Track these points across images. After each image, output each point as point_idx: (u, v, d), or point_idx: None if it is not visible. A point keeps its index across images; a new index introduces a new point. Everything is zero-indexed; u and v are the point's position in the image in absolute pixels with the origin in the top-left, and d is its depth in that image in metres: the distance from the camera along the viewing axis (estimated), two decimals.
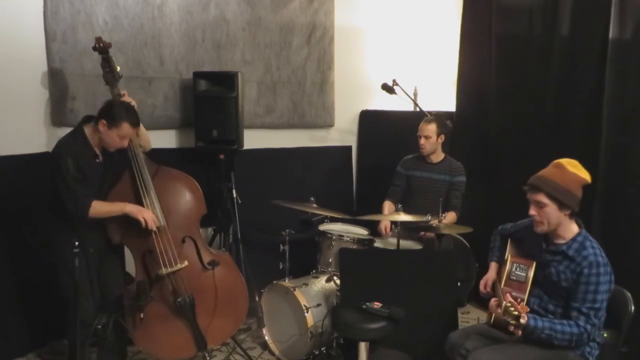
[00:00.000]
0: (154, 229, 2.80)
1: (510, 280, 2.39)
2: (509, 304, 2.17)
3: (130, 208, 2.77)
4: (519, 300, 2.28)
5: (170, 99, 3.85)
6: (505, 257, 2.51)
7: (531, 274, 2.36)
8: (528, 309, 2.23)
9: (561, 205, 2.28)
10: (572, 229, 2.35)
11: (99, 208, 2.71)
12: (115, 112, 2.71)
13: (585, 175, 2.32)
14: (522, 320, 2.15)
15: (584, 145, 3.33)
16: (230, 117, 3.63)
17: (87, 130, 2.77)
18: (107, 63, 2.92)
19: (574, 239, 2.32)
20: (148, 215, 2.78)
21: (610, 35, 3.16)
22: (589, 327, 2.21)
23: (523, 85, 3.86)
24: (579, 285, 2.24)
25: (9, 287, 3.23)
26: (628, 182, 3.13)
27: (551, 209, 2.29)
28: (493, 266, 2.70)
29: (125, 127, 2.70)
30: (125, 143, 2.77)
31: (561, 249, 2.33)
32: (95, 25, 3.48)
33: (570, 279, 2.28)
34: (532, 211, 2.34)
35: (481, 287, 2.64)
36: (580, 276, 2.24)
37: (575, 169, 2.31)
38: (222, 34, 3.99)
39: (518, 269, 2.39)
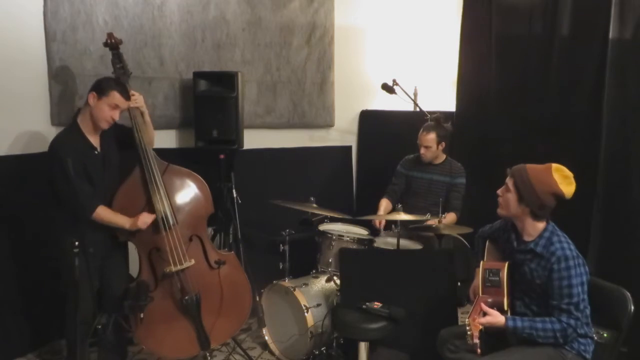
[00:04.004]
0: (153, 219, 2.79)
1: (486, 287, 2.38)
2: (467, 323, 2.19)
3: (130, 225, 2.76)
4: (499, 303, 2.29)
5: (170, 99, 3.85)
6: (479, 266, 2.50)
7: (504, 274, 2.36)
8: (480, 327, 2.19)
9: (520, 198, 2.30)
10: (538, 226, 2.35)
11: (104, 215, 2.72)
12: (103, 83, 2.73)
13: (565, 189, 2.27)
14: (476, 340, 2.14)
15: (584, 145, 3.34)
16: (230, 117, 3.63)
17: (81, 119, 2.75)
18: (118, 59, 2.94)
19: (540, 235, 2.33)
20: (143, 217, 2.76)
21: (610, 35, 3.16)
22: (572, 321, 2.20)
23: (523, 85, 3.86)
24: (552, 282, 2.24)
25: (10, 287, 3.22)
26: (628, 182, 3.13)
27: (511, 196, 2.33)
28: (478, 273, 2.70)
29: (115, 95, 2.70)
30: (117, 115, 2.74)
31: (529, 247, 2.34)
32: (95, 25, 3.48)
33: (542, 276, 2.28)
34: (499, 190, 2.41)
35: (470, 296, 2.64)
36: (552, 272, 2.24)
37: (559, 178, 2.27)
38: (222, 34, 4.00)
39: (491, 275, 2.38)
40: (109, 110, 2.70)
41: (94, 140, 2.79)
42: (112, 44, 2.94)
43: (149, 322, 2.80)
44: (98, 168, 2.78)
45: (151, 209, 2.82)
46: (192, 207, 3.00)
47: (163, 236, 2.83)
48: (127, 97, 2.78)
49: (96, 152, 2.79)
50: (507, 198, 2.35)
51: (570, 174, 2.31)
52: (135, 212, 2.79)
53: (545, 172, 2.30)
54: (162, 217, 2.83)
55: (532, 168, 2.33)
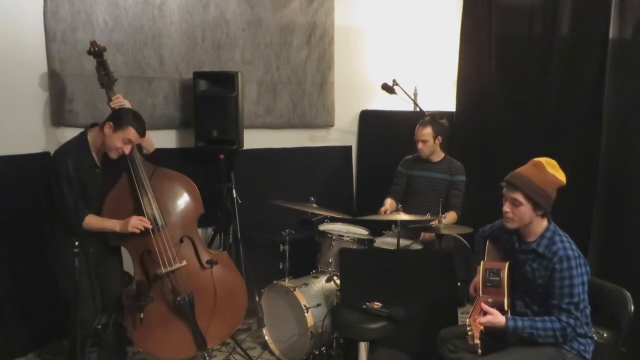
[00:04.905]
0: (149, 226, 2.79)
1: (487, 287, 2.39)
2: (467, 323, 2.18)
3: (121, 227, 2.76)
4: (499, 304, 2.29)
5: (170, 99, 3.85)
6: (479, 264, 2.50)
7: (504, 274, 2.36)
8: (481, 327, 2.18)
9: (536, 206, 2.29)
10: (541, 224, 2.36)
11: (93, 223, 2.72)
12: (123, 116, 2.74)
13: (562, 178, 2.32)
14: (477, 341, 2.14)
15: (584, 145, 3.34)
16: (230, 117, 3.63)
17: (90, 135, 2.77)
18: (102, 66, 2.93)
19: (542, 235, 2.34)
20: (135, 222, 2.76)
21: (610, 35, 3.16)
22: (572, 321, 2.21)
23: (523, 85, 3.86)
24: (553, 282, 2.25)
25: (10, 287, 3.23)
26: (628, 182, 3.13)
27: (526, 208, 2.30)
28: (479, 271, 2.70)
29: (131, 132, 2.71)
30: (128, 149, 2.75)
31: (531, 247, 2.35)
32: (95, 25, 3.48)
33: (544, 276, 2.29)
34: (506, 207, 2.36)
35: (471, 290, 2.64)
36: (554, 272, 2.25)
37: (553, 170, 2.31)
38: (222, 34, 3.99)
39: (491, 274, 2.39)
40: (122, 144, 2.72)
41: (98, 158, 2.80)
42: (96, 52, 2.93)
43: (146, 325, 2.81)
44: (96, 184, 2.81)
45: (140, 212, 2.82)
46: (181, 208, 3.01)
47: (152, 239, 2.83)
48: (143, 133, 2.80)
49: (97, 170, 2.81)
50: (520, 211, 2.31)
51: (553, 161, 2.34)
52: (125, 216, 2.79)
53: (541, 171, 2.31)
54: (151, 220, 2.83)
55: (529, 173, 2.33)
